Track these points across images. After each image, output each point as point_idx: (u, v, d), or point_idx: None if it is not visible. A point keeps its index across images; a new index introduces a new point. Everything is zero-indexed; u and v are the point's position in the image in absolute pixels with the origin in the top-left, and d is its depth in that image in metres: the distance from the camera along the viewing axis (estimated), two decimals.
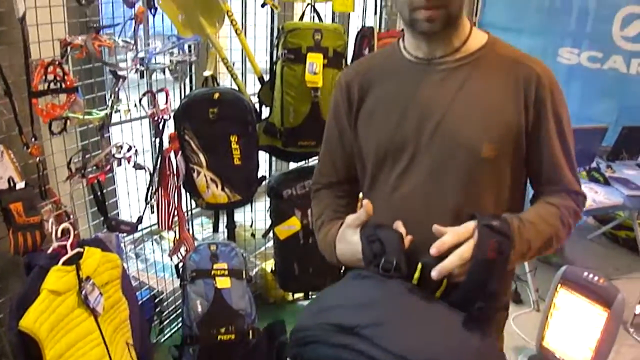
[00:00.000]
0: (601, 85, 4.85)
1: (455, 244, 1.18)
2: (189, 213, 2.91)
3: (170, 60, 2.50)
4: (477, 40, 1.38)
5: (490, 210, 1.33)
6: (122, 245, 2.61)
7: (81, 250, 1.87)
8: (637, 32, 5.29)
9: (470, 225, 1.20)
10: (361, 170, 1.53)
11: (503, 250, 1.19)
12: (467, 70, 1.35)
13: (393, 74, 1.44)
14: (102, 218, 2.35)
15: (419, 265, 1.23)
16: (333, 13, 3.08)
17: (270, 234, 2.94)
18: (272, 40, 2.86)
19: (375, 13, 2.89)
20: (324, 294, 1.29)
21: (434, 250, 1.18)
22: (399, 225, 1.31)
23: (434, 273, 1.17)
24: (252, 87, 2.94)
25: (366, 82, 1.47)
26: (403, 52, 1.43)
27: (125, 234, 2.55)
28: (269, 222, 2.93)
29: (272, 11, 2.96)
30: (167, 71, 2.51)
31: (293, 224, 2.74)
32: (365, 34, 2.85)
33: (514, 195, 1.41)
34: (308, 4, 2.79)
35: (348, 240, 1.35)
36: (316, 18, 2.82)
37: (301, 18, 2.79)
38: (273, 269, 3.06)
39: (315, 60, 2.53)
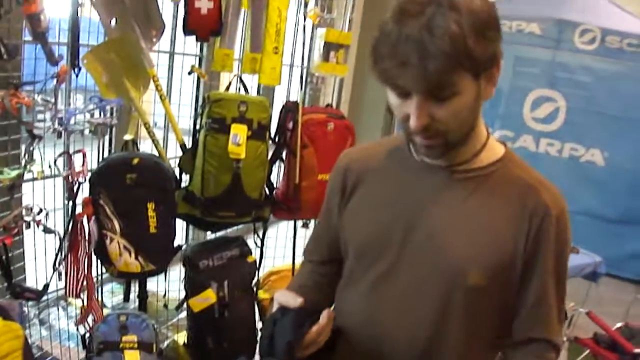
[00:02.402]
0: None
1: None
2: (99, 279, 2.80)
3: (90, 122, 2.45)
4: (492, 153, 1.29)
5: (462, 343, 1.26)
6: (26, 310, 2.46)
7: None
8: (546, 113, 5.66)
9: None
10: (344, 258, 1.45)
11: None
12: (474, 185, 1.26)
13: (394, 170, 1.36)
14: (5, 284, 2.22)
15: None
16: (259, 85, 3.11)
17: (184, 305, 2.85)
18: (196, 108, 2.85)
19: (301, 88, 2.94)
20: None
21: None
22: (324, 317, 1.22)
23: None
24: (174, 152, 2.91)
25: (365, 171, 1.39)
26: (411, 147, 1.30)
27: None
28: (183, 292, 2.85)
29: (199, 79, 2.97)
30: (85, 131, 2.46)
31: (208, 297, 2.66)
32: (289, 109, 2.88)
33: (494, 332, 1.31)
34: (235, 75, 2.82)
35: None
36: (242, 89, 2.84)
37: (227, 88, 2.80)
38: (186, 342, 2.95)
39: (239, 132, 2.52)
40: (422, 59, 1.03)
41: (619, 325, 3.56)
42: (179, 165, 2.73)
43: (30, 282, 2.58)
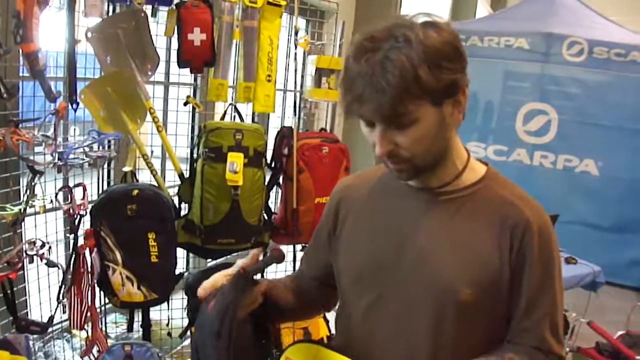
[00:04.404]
0: (507, 177, 5.21)
1: None
2: (102, 309, 2.82)
3: (89, 155, 2.48)
4: (473, 174, 1.32)
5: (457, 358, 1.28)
6: (31, 343, 2.48)
7: None
8: (539, 126, 5.70)
9: None
10: (337, 285, 1.48)
11: None
12: (456, 206, 1.29)
13: (383, 195, 1.39)
14: (11, 318, 2.24)
15: None
16: (253, 113, 3.16)
17: (188, 333, 2.87)
18: (192, 138, 2.89)
19: (295, 114, 2.98)
20: None
21: None
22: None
23: None
24: (171, 181, 2.94)
25: (356, 199, 1.44)
26: None
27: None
28: (186, 320, 2.86)
29: (194, 109, 3.01)
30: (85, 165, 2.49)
31: None
32: (284, 134, 2.93)
33: (487, 345, 1.30)
34: (230, 104, 2.86)
35: None
36: (237, 118, 2.88)
37: (222, 117, 2.85)
38: None
39: (235, 160, 2.57)
40: (373, 92, 1.10)
41: (620, 333, 3.57)
42: (177, 194, 2.76)
43: (33, 316, 2.60)
